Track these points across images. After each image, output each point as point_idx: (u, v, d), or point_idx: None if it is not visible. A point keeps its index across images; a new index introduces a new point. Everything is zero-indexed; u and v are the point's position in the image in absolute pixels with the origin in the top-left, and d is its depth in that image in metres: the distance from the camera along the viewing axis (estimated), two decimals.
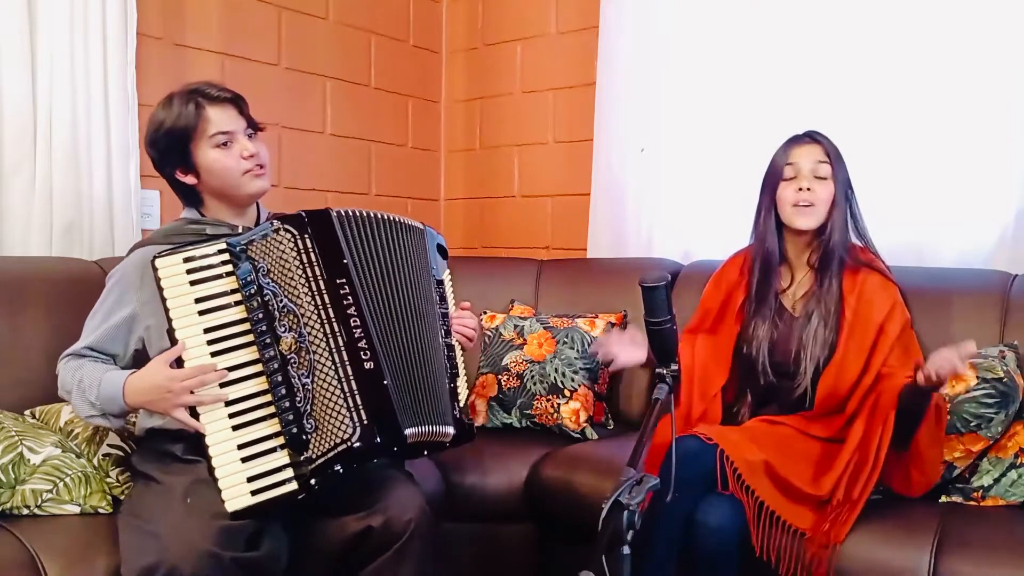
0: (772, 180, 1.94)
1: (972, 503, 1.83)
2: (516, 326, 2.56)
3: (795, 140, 1.94)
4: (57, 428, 1.79)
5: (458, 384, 1.80)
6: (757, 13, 2.61)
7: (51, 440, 1.71)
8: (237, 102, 1.72)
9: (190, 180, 1.71)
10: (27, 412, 1.83)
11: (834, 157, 1.90)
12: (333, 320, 1.58)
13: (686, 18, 2.72)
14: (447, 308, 1.82)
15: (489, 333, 2.58)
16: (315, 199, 2.94)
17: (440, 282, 1.82)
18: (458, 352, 1.83)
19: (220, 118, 1.68)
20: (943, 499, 1.86)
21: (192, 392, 1.50)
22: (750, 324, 1.96)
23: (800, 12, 2.53)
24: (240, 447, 1.51)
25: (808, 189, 1.87)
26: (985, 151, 2.27)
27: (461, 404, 1.78)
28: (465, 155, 3.44)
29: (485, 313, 2.66)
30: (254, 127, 1.74)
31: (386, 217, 1.74)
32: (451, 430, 1.72)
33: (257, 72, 2.74)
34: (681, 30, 2.73)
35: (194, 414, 1.52)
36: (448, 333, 1.80)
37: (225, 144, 1.68)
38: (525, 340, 2.51)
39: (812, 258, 1.94)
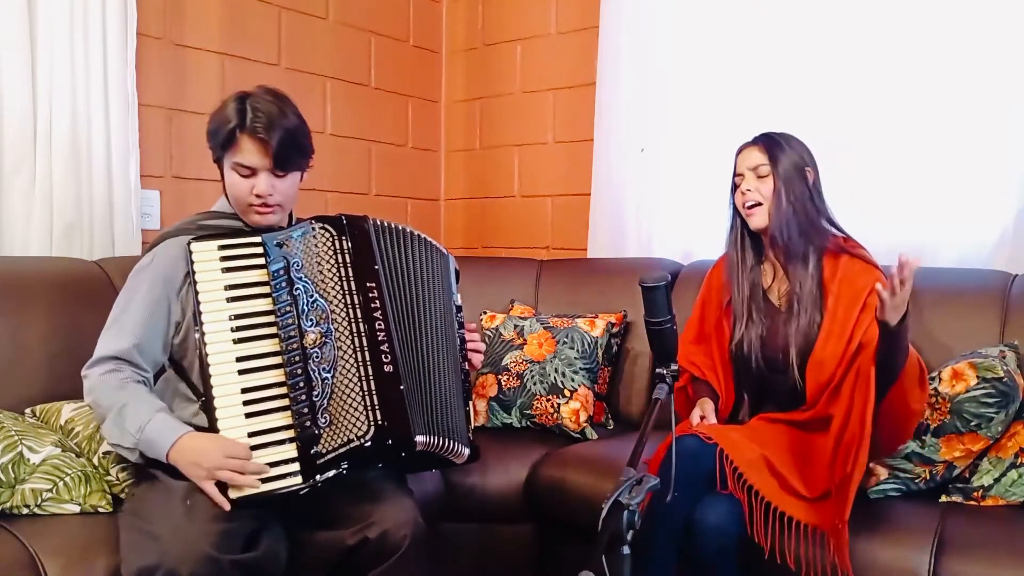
0: (731, 190, 2.00)
1: (972, 503, 1.83)
2: (516, 326, 2.56)
3: (740, 149, 1.99)
4: (57, 427, 1.79)
5: (469, 408, 1.84)
6: (757, 13, 2.61)
7: (51, 439, 1.71)
8: (268, 142, 1.62)
9: (219, 175, 1.73)
10: (27, 411, 1.83)
11: (773, 152, 1.92)
12: (360, 320, 1.62)
13: (686, 18, 2.72)
14: (463, 333, 1.86)
15: (489, 333, 2.58)
16: (315, 199, 2.94)
17: (459, 308, 1.86)
18: (470, 377, 1.88)
19: (247, 151, 1.64)
20: (943, 499, 1.86)
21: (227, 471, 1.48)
22: (735, 330, 1.99)
23: (800, 12, 2.53)
24: (251, 435, 1.53)
25: (749, 191, 1.93)
26: (985, 151, 2.26)
27: (472, 426, 1.83)
28: (465, 155, 3.44)
29: (485, 313, 2.67)
30: (284, 168, 1.66)
31: (417, 234, 1.79)
32: (466, 451, 1.76)
33: (257, 72, 2.73)
34: (681, 30, 2.73)
35: (222, 488, 1.49)
36: (464, 358, 1.85)
37: (246, 175, 1.67)
38: (525, 340, 2.51)
39: (776, 250, 1.96)
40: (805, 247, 1.91)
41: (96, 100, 2.22)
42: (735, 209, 2.00)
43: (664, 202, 2.80)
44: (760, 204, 1.92)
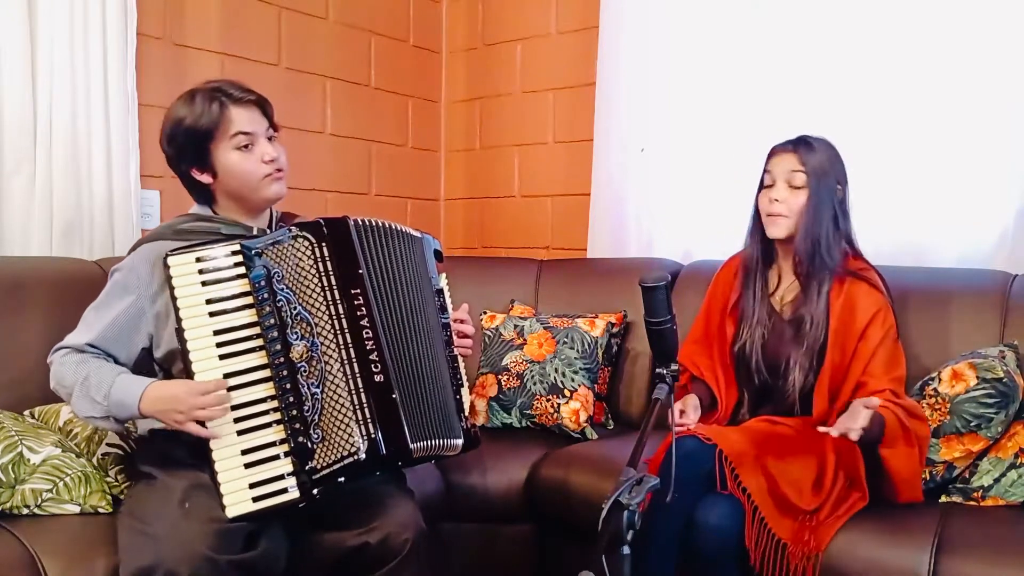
0: (758, 187, 1.96)
1: (972, 503, 1.83)
2: (516, 326, 2.56)
3: (776, 148, 1.93)
4: (57, 428, 1.79)
5: (462, 395, 1.80)
6: (757, 13, 2.61)
7: (51, 440, 1.71)
8: (261, 104, 1.70)
9: (206, 179, 1.68)
10: (27, 412, 1.83)
11: (811, 165, 1.86)
12: (346, 331, 1.57)
13: (686, 18, 2.72)
14: (448, 318, 1.82)
15: (489, 333, 2.58)
16: (315, 199, 2.94)
17: (440, 291, 1.82)
18: (460, 362, 1.83)
19: (243, 118, 1.66)
20: (943, 499, 1.86)
21: (205, 409, 1.48)
22: (741, 329, 1.98)
23: (800, 12, 2.53)
24: (244, 452, 1.51)
25: (777, 200, 1.88)
26: (985, 151, 2.26)
27: (466, 414, 1.79)
28: (465, 155, 3.44)
29: (485, 313, 2.67)
30: (274, 128, 1.73)
31: (396, 227, 1.73)
32: (460, 443, 1.73)
33: (257, 72, 2.73)
34: (681, 30, 2.73)
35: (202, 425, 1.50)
36: (450, 344, 1.81)
37: (246, 146, 1.66)
38: (525, 340, 2.51)
39: (797, 267, 1.93)
40: (823, 269, 1.88)
41: (96, 100, 2.22)
42: (757, 210, 1.96)
43: (664, 202, 2.80)
44: (783, 216, 1.88)
